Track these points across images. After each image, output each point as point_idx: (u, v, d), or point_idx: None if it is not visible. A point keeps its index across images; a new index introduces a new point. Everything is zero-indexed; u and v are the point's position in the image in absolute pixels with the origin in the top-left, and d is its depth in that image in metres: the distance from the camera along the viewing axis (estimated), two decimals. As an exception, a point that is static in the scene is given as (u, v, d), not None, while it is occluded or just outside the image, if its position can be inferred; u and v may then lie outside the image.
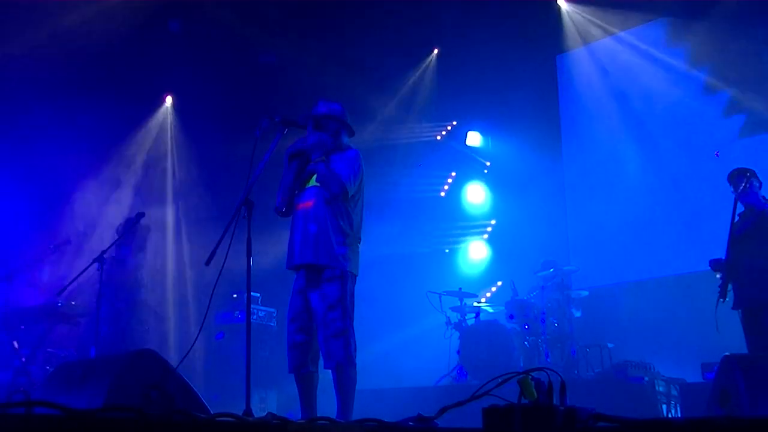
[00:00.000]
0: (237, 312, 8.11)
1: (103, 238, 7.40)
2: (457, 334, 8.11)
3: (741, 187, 5.53)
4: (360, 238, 4.35)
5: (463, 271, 10.49)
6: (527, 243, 9.30)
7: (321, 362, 4.19)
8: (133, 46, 8.44)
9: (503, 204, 10.45)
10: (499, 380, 2.43)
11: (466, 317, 8.31)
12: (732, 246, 5.55)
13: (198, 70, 8.67)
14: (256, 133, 4.01)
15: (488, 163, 10.83)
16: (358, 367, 4.14)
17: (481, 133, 10.78)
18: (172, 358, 4.65)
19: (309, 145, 4.32)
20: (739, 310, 5.64)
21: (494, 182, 10.68)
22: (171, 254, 8.94)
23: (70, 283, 5.81)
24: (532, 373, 2.27)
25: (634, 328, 8.10)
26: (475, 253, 10.60)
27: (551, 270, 8.01)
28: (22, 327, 6.59)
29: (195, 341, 4.08)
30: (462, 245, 10.72)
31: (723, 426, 1.79)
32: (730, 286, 5.55)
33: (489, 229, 10.62)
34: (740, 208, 5.69)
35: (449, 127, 11.01)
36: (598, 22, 9.27)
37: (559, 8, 9.54)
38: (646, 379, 6.26)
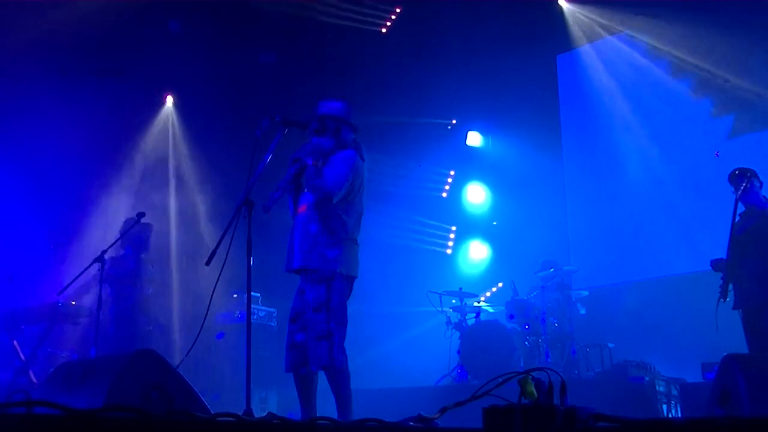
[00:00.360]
0: (237, 312, 8.12)
1: (104, 238, 7.40)
2: (458, 334, 8.11)
3: (742, 187, 5.52)
4: (356, 240, 4.35)
5: (463, 271, 10.50)
6: (527, 243, 9.30)
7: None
8: (133, 46, 8.45)
9: (503, 204, 10.45)
10: (500, 380, 2.43)
11: (466, 317, 8.31)
12: (733, 246, 5.55)
13: (198, 70, 8.67)
14: (257, 133, 4.02)
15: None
16: (359, 367, 4.16)
17: (482, 133, 10.79)
18: (178, 357, 4.62)
19: (305, 150, 4.35)
20: (740, 310, 5.64)
21: (494, 182, 10.69)
22: (172, 254, 8.93)
23: (71, 283, 5.82)
24: (533, 373, 2.27)
25: (634, 328, 8.08)
26: (476, 253, 10.61)
27: (551, 270, 8.01)
28: (22, 327, 6.59)
29: (195, 341, 4.08)
30: (462, 245, 10.72)
31: (723, 426, 1.79)
32: (730, 286, 5.55)
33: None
34: (741, 208, 5.68)
35: (449, 127, 11.01)
36: (600, 21, 9.27)
37: (560, 8, 9.53)
38: (647, 379, 6.25)
